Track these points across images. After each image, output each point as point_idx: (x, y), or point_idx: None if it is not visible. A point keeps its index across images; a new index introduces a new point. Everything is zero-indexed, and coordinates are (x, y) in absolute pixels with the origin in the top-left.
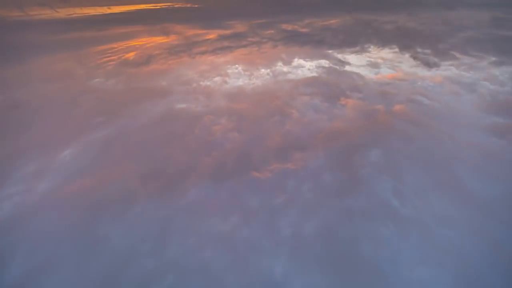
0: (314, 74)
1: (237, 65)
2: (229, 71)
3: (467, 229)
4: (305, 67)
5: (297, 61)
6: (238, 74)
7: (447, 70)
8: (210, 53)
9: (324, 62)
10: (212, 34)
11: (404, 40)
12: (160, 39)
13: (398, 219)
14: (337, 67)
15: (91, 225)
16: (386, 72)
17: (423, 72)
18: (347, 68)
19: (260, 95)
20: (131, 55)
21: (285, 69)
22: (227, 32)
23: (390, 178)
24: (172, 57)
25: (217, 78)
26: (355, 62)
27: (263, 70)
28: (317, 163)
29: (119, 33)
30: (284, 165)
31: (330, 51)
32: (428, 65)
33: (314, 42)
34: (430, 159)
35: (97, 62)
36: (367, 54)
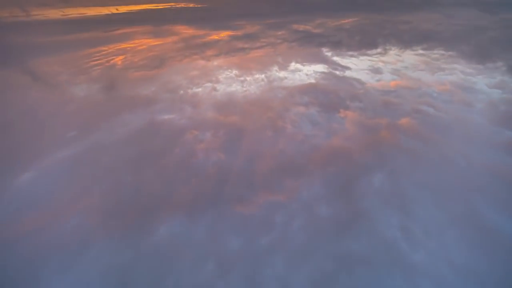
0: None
1: (252, 67)
2: (237, 75)
3: (492, 282)
4: (319, 70)
5: (314, 64)
6: (254, 81)
7: (452, 74)
8: (224, 55)
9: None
10: (222, 35)
11: (426, 41)
12: (159, 41)
13: (407, 268)
14: (339, 72)
15: (30, 278)
16: (388, 79)
17: (426, 77)
18: (354, 72)
19: (258, 104)
20: (119, 59)
21: (305, 70)
22: (239, 32)
23: (396, 211)
24: (169, 61)
25: (214, 85)
26: (366, 65)
27: (282, 72)
28: (311, 192)
29: (115, 34)
30: (273, 195)
31: (350, 53)
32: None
33: (331, 44)
34: (442, 185)
35: (85, 66)
36: (387, 56)
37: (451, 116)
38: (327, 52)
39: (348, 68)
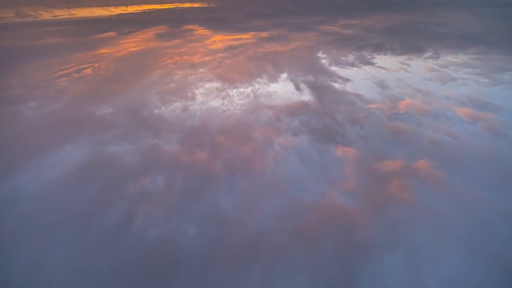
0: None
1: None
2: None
3: None
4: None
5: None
6: (242, 95)
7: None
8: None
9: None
10: (247, 36)
11: (476, 44)
12: (159, 44)
13: None
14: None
15: None
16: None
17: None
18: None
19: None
20: (93, 68)
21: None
22: (264, 34)
23: None
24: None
25: (187, 103)
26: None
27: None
28: None
29: (104, 38)
30: None
31: (398, 57)
32: None
33: (372, 47)
34: (481, 278)
35: (49, 78)
36: (441, 61)
37: None
38: (373, 57)
39: (407, 73)
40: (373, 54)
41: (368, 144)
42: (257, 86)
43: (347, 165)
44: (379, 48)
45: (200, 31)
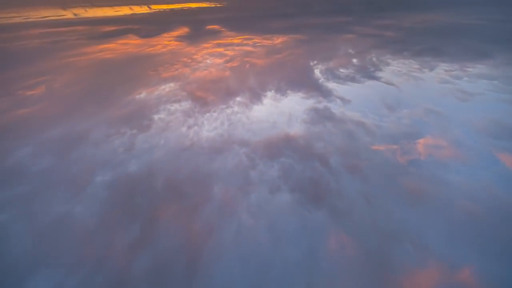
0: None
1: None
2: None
3: None
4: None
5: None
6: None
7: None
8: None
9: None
10: (280, 40)
11: None
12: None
13: None
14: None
15: None
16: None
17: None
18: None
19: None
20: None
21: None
22: (298, 36)
23: None
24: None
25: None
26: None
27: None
28: None
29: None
30: None
31: (466, 64)
32: None
33: (430, 51)
34: None
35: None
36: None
37: None
38: (441, 66)
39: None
40: (436, 60)
41: (374, 221)
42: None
43: (342, 260)
44: (439, 52)
45: (227, 33)
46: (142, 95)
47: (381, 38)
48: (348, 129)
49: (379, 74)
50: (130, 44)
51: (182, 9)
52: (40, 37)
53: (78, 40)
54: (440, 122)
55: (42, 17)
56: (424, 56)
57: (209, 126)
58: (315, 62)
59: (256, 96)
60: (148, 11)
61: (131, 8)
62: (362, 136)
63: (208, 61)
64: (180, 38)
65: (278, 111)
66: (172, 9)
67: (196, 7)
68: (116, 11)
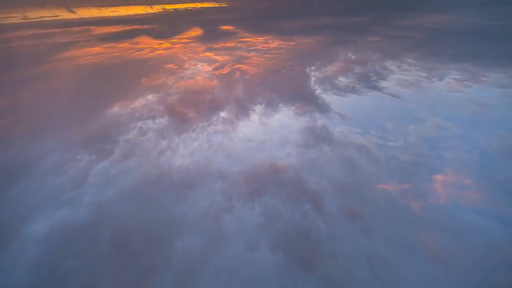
0: None
1: None
2: None
3: None
4: None
5: None
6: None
7: None
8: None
9: None
10: (306, 41)
11: None
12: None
13: None
14: None
15: None
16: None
17: None
18: None
19: None
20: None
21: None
22: (320, 38)
23: None
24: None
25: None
26: None
27: None
28: None
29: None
30: None
31: None
32: None
33: (469, 56)
34: None
35: None
36: None
37: None
38: (484, 72)
39: None
40: (484, 68)
41: None
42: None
43: None
44: (478, 57)
45: (244, 34)
46: (115, 109)
47: (409, 40)
48: (349, 156)
49: (427, 81)
50: (132, 48)
51: (186, 9)
52: (34, 38)
53: (87, 41)
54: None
55: (39, 17)
56: (463, 61)
57: (185, 150)
58: (351, 65)
59: (271, 107)
60: (151, 11)
61: (127, 9)
62: (368, 166)
63: (231, 63)
64: (195, 39)
65: (271, 130)
66: (176, 9)
67: (200, 7)
68: (116, 11)
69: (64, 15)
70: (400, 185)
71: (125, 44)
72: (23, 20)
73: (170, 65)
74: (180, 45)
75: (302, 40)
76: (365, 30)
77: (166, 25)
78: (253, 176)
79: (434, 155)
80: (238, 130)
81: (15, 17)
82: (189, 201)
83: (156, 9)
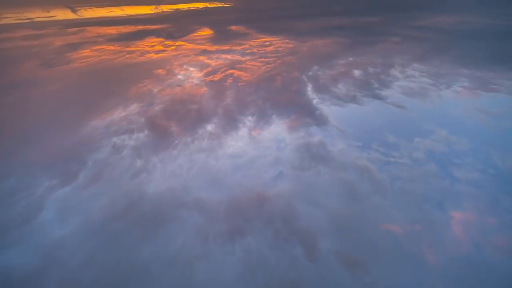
0: None
1: None
2: None
3: None
4: None
5: None
6: None
7: None
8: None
9: None
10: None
11: None
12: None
13: None
14: None
15: None
16: None
17: None
18: None
19: None
20: None
21: None
22: (338, 40)
23: None
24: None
25: None
26: None
27: None
28: None
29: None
30: None
31: None
32: None
33: (495, 59)
34: None
35: None
36: None
37: None
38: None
39: None
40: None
41: None
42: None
43: None
44: (498, 61)
45: (257, 35)
46: (90, 122)
47: (432, 43)
48: (349, 181)
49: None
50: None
51: (189, 10)
52: (15, 41)
53: (78, 44)
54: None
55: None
56: (494, 63)
57: (162, 172)
58: (376, 69)
59: (264, 119)
60: (155, 11)
61: (121, 9)
62: (370, 196)
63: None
64: (205, 40)
65: (261, 148)
66: (177, 9)
67: (203, 8)
68: (112, 12)
69: (60, 15)
70: (408, 224)
71: (116, 47)
72: (14, 21)
73: (159, 70)
74: (191, 45)
75: (317, 42)
76: (382, 30)
77: (168, 26)
78: (236, 208)
79: (445, 175)
80: (224, 147)
81: (9, 18)
82: (157, 241)
83: (156, 9)
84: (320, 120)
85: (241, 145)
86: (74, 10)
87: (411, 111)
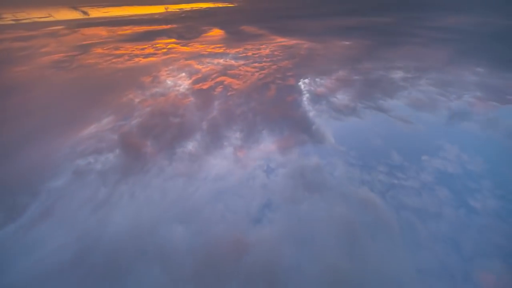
0: None
1: None
2: None
3: None
4: None
5: None
6: None
7: None
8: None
9: None
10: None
11: None
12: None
13: None
14: None
15: None
16: None
17: None
18: None
19: None
20: None
21: None
22: (361, 41)
23: None
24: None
25: None
26: None
27: None
28: None
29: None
30: None
31: None
32: None
33: None
34: None
35: None
36: None
37: None
38: None
39: None
40: None
41: None
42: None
43: None
44: None
45: (271, 36)
46: (55, 140)
47: (460, 44)
48: (350, 220)
49: None
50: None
51: (192, 10)
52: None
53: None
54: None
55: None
56: None
57: (127, 206)
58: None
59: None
60: (150, 12)
61: (121, 9)
62: (375, 243)
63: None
64: (218, 40)
65: (247, 173)
66: (181, 9)
67: (207, 8)
68: (109, 12)
69: (55, 15)
70: (418, 275)
71: (102, 50)
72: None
73: (146, 78)
74: (203, 46)
75: (335, 44)
76: (398, 31)
77: (166, 28)
78: (209, 261)
79: (459, 204)
80: (205, 171)
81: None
82: None
83: (155, 9)
84: (316, 138)
85: (225, 169)
86: (77, 10)
87: (418, 124)
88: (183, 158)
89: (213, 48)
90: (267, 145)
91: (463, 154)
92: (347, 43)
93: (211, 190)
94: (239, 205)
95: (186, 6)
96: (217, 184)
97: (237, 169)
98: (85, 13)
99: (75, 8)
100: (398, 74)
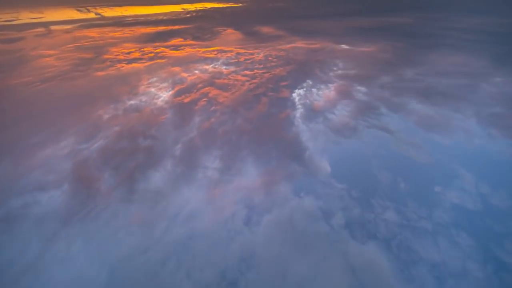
0: None
1: None
2: None
3: None
4: None
5: None
6: None
7: None
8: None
9: None
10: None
11: None
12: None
13: None
14: None
15: None
16: None
17: None
18: None
19: None
20: None
21: None
22: (394, 44)
23: None
24: None
25: None
26: None
27: None
28: None
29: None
30: None
31: None
32: None
33: None
34: None
35: None
36: None
37: None
38: None
39: None
40: None
41: None
42: None
43: None
44: None
45: (291, 38)
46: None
47: (498, 47)
48: None
49: None
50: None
51: (196, 10)
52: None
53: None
54: None
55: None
56: None
57: (59, 270)
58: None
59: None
60: (160, 11)
61: (120, 9)
62: None
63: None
64: (234, 41)
65: (222, 221)
66: (184, 9)
67: (211, 8)
68: (106, 12)
69: (50, 16)
70: None
71: (88, 54)
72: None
73: (124, 88)
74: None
75: (365, 49)
76: (423, 33)
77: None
78: None
79: (485, 258)
80: (166, 220)
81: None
82: None
83: (156, 10)
84: (310, 168)
85: (195, 215)
86: (78, 10)
87: (428, 149)
88: (144, 198)
89: (234, 48)
90: (250, 179)
91: None
92: (376, 45)
93: (172, 247)
94: (206, 269)
95: (190, 7)
96: (181, 237)
97: (210, 214)
98: (97, 13)
99: (84, 8)
100: (451, 80)
